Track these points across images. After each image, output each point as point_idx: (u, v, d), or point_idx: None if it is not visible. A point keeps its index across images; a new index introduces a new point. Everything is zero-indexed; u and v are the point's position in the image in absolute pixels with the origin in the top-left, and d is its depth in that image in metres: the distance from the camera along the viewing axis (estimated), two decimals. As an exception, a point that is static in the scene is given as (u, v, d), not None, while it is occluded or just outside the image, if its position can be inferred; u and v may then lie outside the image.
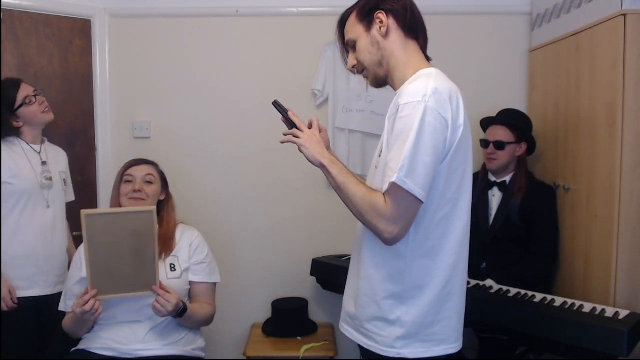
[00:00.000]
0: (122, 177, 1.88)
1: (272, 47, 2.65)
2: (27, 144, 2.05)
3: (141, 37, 2.64)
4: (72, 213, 2.27)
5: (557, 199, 2.24)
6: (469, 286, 1.99)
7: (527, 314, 1.76)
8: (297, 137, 1.36)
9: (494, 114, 2.31)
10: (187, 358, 1.82)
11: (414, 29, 1.35)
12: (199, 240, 1.93)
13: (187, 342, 1.84)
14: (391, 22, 1.33)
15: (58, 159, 2.17)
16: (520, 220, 2.16)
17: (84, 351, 1.76)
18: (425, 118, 1.17)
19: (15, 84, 2.01)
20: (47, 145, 2.15)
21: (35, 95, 2.03)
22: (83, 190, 2.34)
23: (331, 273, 2.41)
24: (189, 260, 1.87)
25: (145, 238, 1.62)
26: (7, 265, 1.93)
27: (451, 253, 1.29)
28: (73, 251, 2.13)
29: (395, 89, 1.36)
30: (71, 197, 2.27)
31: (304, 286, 2.71)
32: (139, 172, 1.88)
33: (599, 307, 1.74)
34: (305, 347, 2.39)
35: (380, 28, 1.33)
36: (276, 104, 1.41)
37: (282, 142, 1.40)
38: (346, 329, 1.42)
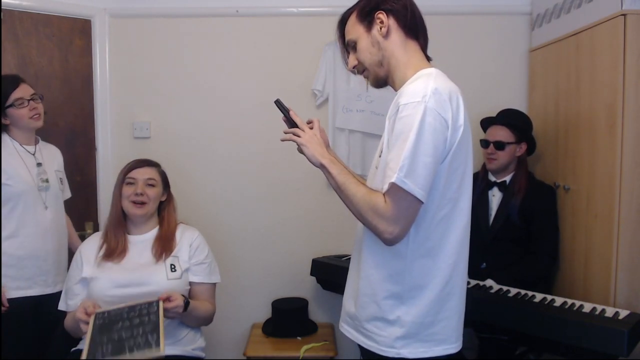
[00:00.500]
0: (124, 178, 1.87)
1: (272, 47, 2.65)
2: (21, 145, 2.03)
3: (141, 37, 2.64)
4: (71, 209, 2.28)
5: (557, 199, 2.24)
6: (469, 286, 1.99)
7: (527, 314, 1.76)
8: (298, 136, 1.36)
9: (494, 114, 2.31)
10: (187, 358, 1.82)
11: (415, 29, 1.35)
12: (199, 240, 1.93)
13: (187, 342, 1.84)
14: (391, 22, 1.33)
15: (53, 158, 2.16)
16: (520, 220, 2.16)
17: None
18: (425, 118, 1.17)
19: (14, 82, 2.00)
20: (41, 144, 2.14)
21: (30, 100, 2.00)
22: (83, 190, 2.34)
23: (331, 273, 2.41)
24: (189, 261, 1.87)
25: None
26: (7, 265, 1.93)
27: (451, 253, 1.29)
28: (77, 245, 2.13)
29: (395, 89, 1.36)
30: (68, 195, 2.27)
31: (304, 286, 2.71)
32: (141, 174, 1.88)
33: (599, 307, 1.74)
34: (305, 347, 2.39)
35: (380, 28, 1.33)
36: (278, 103, 1.42)
37: (283, 140, 1.40)
38: (346, 329, 1.42)
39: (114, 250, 1.81)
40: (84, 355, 1.48)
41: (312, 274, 2.53)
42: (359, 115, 2.60)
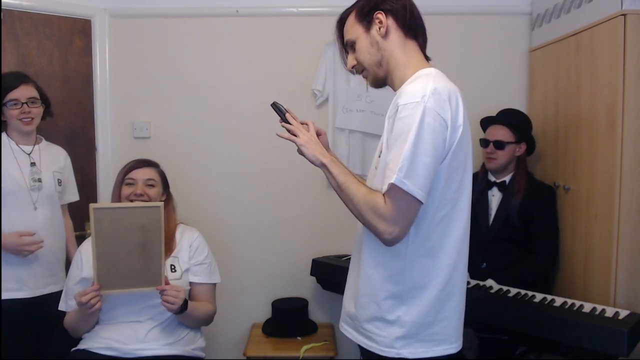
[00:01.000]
0: (124, 179, 1.87)
1: (272, 47, 2.65)
2: (17, 144, 2.02)
3: (141, 37, 2.64)
4: (71, 209, 2.28)
5: (557, 199, 2.24)
6: (469, 286, 1.99)
7: (527, 314, 1.76)
8: (297, 136, 1.36)
9: (494, 114, 2.31)
10: (187, 358, 1.82)
11: (414, 28, 1.35)
12: (199, 240, 1.93)
13: (187, 342, 1.84)
14: (390, 22, 1.33)
15: (54, 158, 2.13)
16: (519, 220, 2.16)
17: (84, 351, 1.76)
18: (425, 118, 1.17)
19: (17, 81, 1.98)
20: (44, 144, 2.12)
21: (24, 103, 1.97)
22: (83, 190, 2.33)
23: (331, 273, 2.41)
24: (189, 261, 1.87)
25: (152, 234, 1.63)
26: None
27: (451, 253, 1.29)
28: (72, 252, 2.13)
29: (394, 89, 1.36)
30: (73, 197, 2.25)
31: (304, 286, 2.71)
32: (141, 175, 1.87)
33: (599, 307, 1.74)
34: (305, 347, 2.39)
35: (379, 28, 1.32)
36: (274, 106, 1.40)
37: (279, 135, 1.38)
38: (346, 329, 1.42)
39: None
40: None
41: (312, 274, 2.53)
42: (359, 115, 2.60)
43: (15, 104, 1.96)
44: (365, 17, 1.34)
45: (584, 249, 2.06)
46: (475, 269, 2.16)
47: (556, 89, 2.32)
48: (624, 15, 1.82)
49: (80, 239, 2.20)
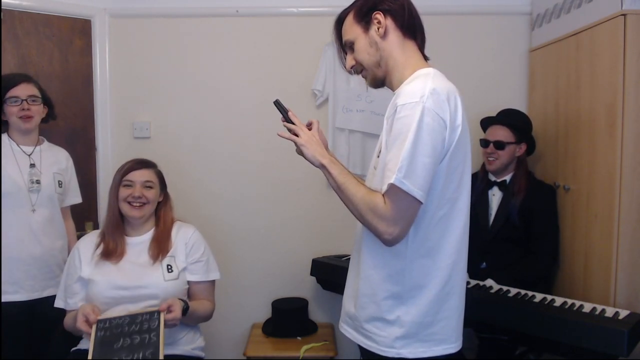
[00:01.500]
0: (121, 180, 1.85)
1: (272, 47, 2.65)
2: (18, 145, 2.02)
3: (141, 37, 2.65)
4: (71, 209, 2.27)
5: (557, 198, 2.24)
6: (469, 286, 1.99)
7: (527, 314, 1.76)
8: (297, 135, 1.36)
9: (494, 114, 2.31)
10: (187, 357, 1.82)
11: (412, 28, 1.34)
12: (195, 237, 1.91)
13: (187, 342, 1.84)
14: (389, 22, 1.32)
15: (55, 160, 2.12)
16: (520, 220, 2.16)
17: (85, 351, 1.76)
18: (423, 118, 1.17)
19: (17, 80, 1.98)
20: (45, 146, 2.12)
21: (24, 100, 1.97)
22: (83, 190, 2.33)
23: (331, 273, 2.41)
24: (185, 260, 1.86)
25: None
26: None
27: (450, 253, 1.29)
28: None
29: (393, 89, 1.36)
30: (76, 199, 2.24)
31: (304, 286, 2.71)
32: (139, 177, 1.85)
33: (599, 307, 1.74)
34: (305, 347, 2.39)
35: (378, 29, 1.32)
36: (277, 104, 1.41)
37: (280, 135, 1.38)
38: (346, 329, 1.42)
39: (112, 252, 1.80)
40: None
41: (312, 274, 2.53)
42: (359, 115, 2.60)
43: (15, 101, 1.96)
44: (364, 18, 1.33)
45: (584, 249, 2.06)
46: (475, 268, 2.16)
47: (556, 89, 2.32)
48: (624, 15, 1.82)
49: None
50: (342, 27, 1.40)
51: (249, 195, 2.70)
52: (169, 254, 1.84)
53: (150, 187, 1.87)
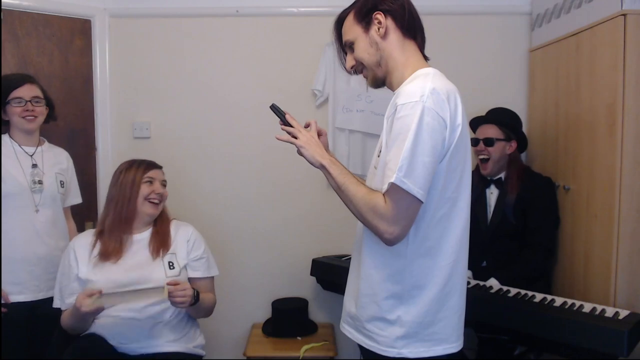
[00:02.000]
0: (143, 177, 1.86)
1: (272, 47, 2.65)
2: (19, 145, 2.02)
3: (141, 37, 2.64)
4: (71, 209, 2.27)
5: (555, 190, 2.24)
6: (470, 286, 1.99)
7: (527, 314, 1.76)
8: (296, 137, 1.36)
9: (488, 114, 2.32)
10: (188, 355, 1.83)
11: (412, 28, 1.34)
12: (195, 235, 1.95)
13: (188, 340, 1.85)
14: (389, 22, 1.32)
15: (56, 160, 2.12)
16: (516, 216, 2.16)
17: (92, 334, 1.77)
18: (424, 118, 1.17)
19: (20, 80, 1.98)
20: (47, 146, 2.12)
21: (28, 101, 1.97)
22: (83, 190, 2.33)
23: (331, 273, 2.41)
24: (187, 257, 1.89)
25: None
26: None
27: (451, 252, 1.29)
28: None
29: (393, 89, 1.36)
30: (76, 200, 2.24)
31: (304, 286, 2.71)
32: (158, 175, 1.92)
33: (599, 307, 1.74)
34: (305, 347, 2.39)
35: (378, 29, 1.32)
36: (274, 108, 1.39)
37: (278, 139, 1.38)
38: (347, 329, 1.42)
39: (111, 252, 1.80)
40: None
41: (312, 274, 2.53)
42: (359, 115, 2.60)
43: (19, 102, 1.97)
44: (364, 18, 1.33)
45: (584, 249, 2.06)
46: (475, 267, 2.17)
47: (556, 89, 2.32)
48: (624, 15, 1.82)
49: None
50: (342, 27, 1.40)
51: (249, 195, 2.70)
52: (169, 251, 1.86)
53: (164, 186, 1.93)
